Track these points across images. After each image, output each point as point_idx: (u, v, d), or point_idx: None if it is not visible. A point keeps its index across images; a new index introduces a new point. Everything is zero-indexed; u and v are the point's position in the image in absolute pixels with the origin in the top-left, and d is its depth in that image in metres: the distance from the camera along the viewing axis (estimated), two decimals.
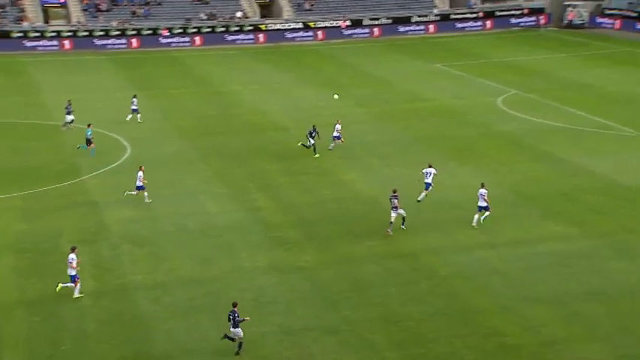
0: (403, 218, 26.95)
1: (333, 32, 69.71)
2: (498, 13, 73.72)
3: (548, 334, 20.51)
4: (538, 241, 25.76)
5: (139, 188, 29.61)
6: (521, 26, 73.24)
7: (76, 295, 22.76)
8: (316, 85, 51.09)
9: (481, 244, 25.81)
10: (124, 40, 65.68)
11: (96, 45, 65.03)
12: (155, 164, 34.54)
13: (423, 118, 42.35)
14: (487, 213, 27.05)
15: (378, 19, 71.51)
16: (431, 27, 72.13)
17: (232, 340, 19.98)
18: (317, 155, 34.92)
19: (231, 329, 19.82)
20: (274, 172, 33.52)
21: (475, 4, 74.38)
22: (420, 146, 36.88)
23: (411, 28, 72.03)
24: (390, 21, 71.71)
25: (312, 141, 35.02)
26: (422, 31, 71.97)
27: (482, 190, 27.11)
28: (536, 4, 74.32)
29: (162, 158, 35.30)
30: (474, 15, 73.37)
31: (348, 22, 70.65)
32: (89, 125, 35.58)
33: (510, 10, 74.08)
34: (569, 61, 57.18)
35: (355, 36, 70.20)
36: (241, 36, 68.11)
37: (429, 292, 22.74)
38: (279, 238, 26.75)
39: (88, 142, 35.09)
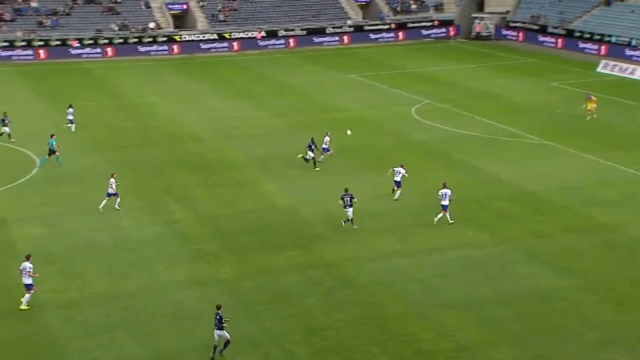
0: (352, 220, 27.88)
1: (248, 43, 69.59)
2: (410, 25, 75.45)
3: (463, 338, 21.04)
4: (452, 248, 26.44)
5: (109, 195, 29.67)
6: (432, 37, 75.21)
7: (24, 306, 22.25)
8: (232, 96, 50.86)
9: (398, 252, 26.28)
10: (30, 51, 63.55)
11: (0, 56, 62.66)
12: (67, 178, 33.51)
13: (340, 128, 42.79)
14: (440, 215, 28.33)
15: (293, 30, 71.91)
16: (345, 38, 73.11)
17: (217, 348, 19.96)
18: (317, 169, 34.41)
19: (216, 331, 19.97)
20: (192, 184, 33.12)
21: (387, 16, 75.91)
22: (337, 156, 37.21)
23: (326, 39, 72.80)
24: (304, 32, 72.27)
25: (312, 154, 34.74)
26: (336, 42, 72.85)
27: (447, 191, 28.41)
28: (445, 17, 76.51)
29: (74, 172, 34.28)
30: (387, 26, 74.85)
31: (263, 33, 70.72)
32: (52, 135, 35.53)
33: (421, 22, 75.96)
34: (478, 71, 59.08)
35: (271, 47, 70.33)
36: (155, 47, 67.07)
37: (349, 301, 22.96)
38: (198, 251, 26.42)
39: (52, 152, 35.02)
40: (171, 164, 35.69)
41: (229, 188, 32.54)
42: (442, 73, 58.35)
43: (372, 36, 73.93)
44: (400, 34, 74.66)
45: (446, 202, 28.44)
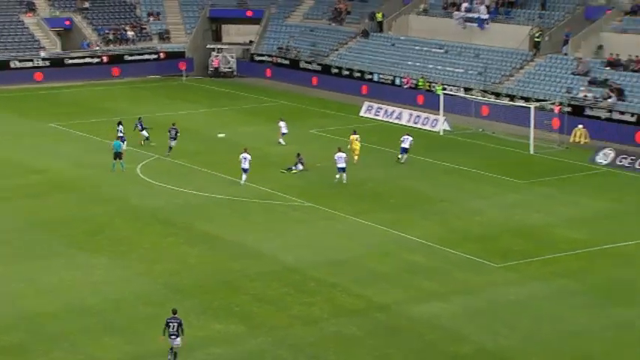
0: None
1: None
2: (128, 58, 75.90)
3: None
4: (198, 346, 26.52)
5: None
6: (159, 74, 76.22)
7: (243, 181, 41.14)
8: None
9: (130, 357, 25.88)
10: None
11: None
12: None
13: (39, 196, 41.49)
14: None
15: None
16: (39, 74, 71.65)
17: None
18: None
19: (173, 339, 24.53)
20: None
21: (97, 47, 75.55)
22: (36, 234, 36.08)
23: (11, 75, 70.71)
24: None
25: (301, 166, 45.58)
26: (27, 80, 71.14)
27: (342, 154, 43.42)
28: (174, 48, 78.04)
29: None
30: (97, 59, 74.57)
31: None
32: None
33: (143, 54, 76.72)
34: (219, 116, 60.78)
35: None
36: None
37: None
38: None
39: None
40: None
41: None
42: (175, 119, 58.95)
43: (78, 72, 73.24)
44: (116, 69, 74.73)
45: (342, 164, 42.42)
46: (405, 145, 47.27)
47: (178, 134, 48.31)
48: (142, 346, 26.59)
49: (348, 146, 46.90)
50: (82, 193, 42.06)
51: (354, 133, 48.59)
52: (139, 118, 51.75)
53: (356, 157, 46.89)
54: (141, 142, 50.29)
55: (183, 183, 43.64)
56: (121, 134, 48.28)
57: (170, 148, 48.07)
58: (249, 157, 42.88)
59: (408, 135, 48.02)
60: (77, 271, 32.23)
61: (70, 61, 73.77)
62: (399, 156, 47.54)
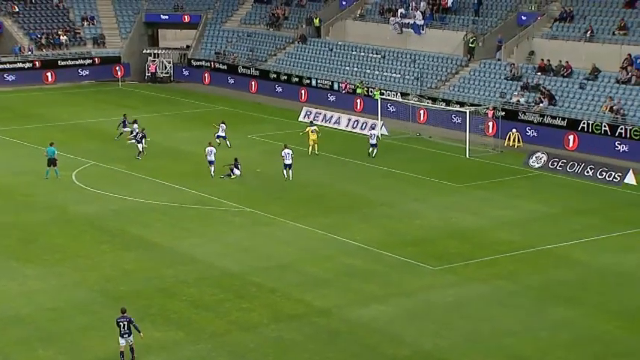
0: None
1: None
2: (62, 63, 74.98)
3: None
4: (136, 355, 26.32)
5: None
6: (94, 79, 75.38)
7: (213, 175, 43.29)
8: None
9: None
10: None
11: None
12: None
13: None
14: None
15: None
16: None
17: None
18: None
19: (126, 338, 24.92)
20: None
21: (29, 51, 74.50)
22: None
23: None
24: None
25: (238, 172, 45.24)
26: None
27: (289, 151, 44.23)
28: (109, 53, 77.28)
29: None
30: (29, 64, 73.58)
31: None
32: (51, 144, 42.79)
33: (77, 59, 75.86)
34: (157, 122, 60.32)
35: None
36: None
37: None
38: None
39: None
40: None
41: None
42: (110, 124, 58.44)
43: (8, 77, 72.19)
44: (49, 74, 73.85)
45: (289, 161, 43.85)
46: (373, 141, 49.91)
47: (145, 138, 49.83)
48: (79, 356, 26.28)
49: (304, 136, 50.45)
50: (15, 201, 41.49)
51: (311, 124, 51.53)
52: (124, 115, 53.73)
53: (311, 148, 49.80)
54: (124, 137, 52.44)
55: (119, 189, 43.27)
56: (135, 132, 50.62)
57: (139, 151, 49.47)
58: (214, 150, 45.72)
59: (373, 130, 52.63)
60: (11, 280, 31.78)
61: (1, 66, 72.59)
62: (370, 150, 50.08)
